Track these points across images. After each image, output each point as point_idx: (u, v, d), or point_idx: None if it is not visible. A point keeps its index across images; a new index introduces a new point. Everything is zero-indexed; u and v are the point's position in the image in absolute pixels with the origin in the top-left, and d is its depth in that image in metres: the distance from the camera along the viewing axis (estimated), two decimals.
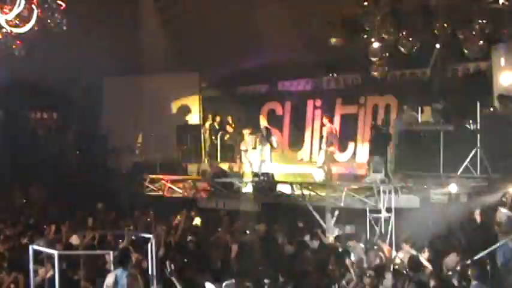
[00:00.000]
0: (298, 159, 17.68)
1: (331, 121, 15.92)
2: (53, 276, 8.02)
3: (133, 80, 19.54)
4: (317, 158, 16.26)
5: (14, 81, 16.81)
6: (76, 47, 16.25)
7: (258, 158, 15.39)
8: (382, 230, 11.75)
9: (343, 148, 16.92)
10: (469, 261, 8.85)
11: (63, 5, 9.54)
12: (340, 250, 10.42)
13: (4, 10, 8.41)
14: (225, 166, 16.76)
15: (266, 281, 8.41)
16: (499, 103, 12.61)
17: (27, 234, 11.63)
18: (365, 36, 13.27)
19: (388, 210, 12.08)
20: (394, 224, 11.87)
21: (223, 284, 8.05)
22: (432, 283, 8.15)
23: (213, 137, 18.17)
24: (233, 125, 18.25)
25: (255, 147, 15.64)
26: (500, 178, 11.45)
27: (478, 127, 11.80)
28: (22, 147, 18.35)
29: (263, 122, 18.00)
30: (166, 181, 15.49)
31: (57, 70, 17.44)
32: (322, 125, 16.20)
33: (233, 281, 8.11)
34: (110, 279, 7.85)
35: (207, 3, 14.72)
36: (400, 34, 12.72)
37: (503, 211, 10.15)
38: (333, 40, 13.91)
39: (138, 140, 19.26)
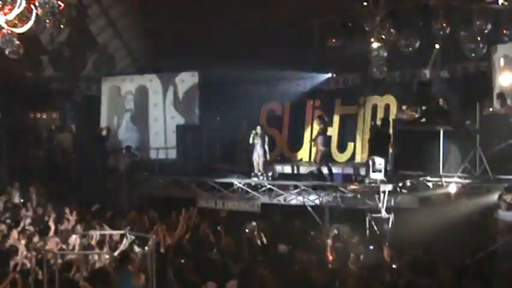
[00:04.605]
0: (297, 159, 17.67)
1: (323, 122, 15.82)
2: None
3: (133, 80, 19.54)
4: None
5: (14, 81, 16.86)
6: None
7: (257, 157, 15.36)
8: (382, 230, 11.79)
9: (342, 148, 16.93)
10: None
11: (62, 5, 9.51)
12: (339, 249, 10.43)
13: (4, 10, 8.41)
14: (225, 166, 16.76)
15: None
16: (497, 101, 12.63)
17: (26, 234, 11.60)
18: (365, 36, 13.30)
19: (388, 210, 12.11)
20: (393, 224, 11.90)
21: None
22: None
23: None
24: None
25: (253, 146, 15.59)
26: (499, 178, 11.46)
27: (478, 127, 11.81)
28: (22, 147, 18.35)
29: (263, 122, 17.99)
30: None
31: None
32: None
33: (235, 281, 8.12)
34: (116, 280, 7.83)
35: (209, 2, 14.73)
36: (400, 34, 12.73)
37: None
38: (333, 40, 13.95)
39: (137, 140, 19.25)
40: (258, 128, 15.49)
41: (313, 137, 15.68)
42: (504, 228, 10.11)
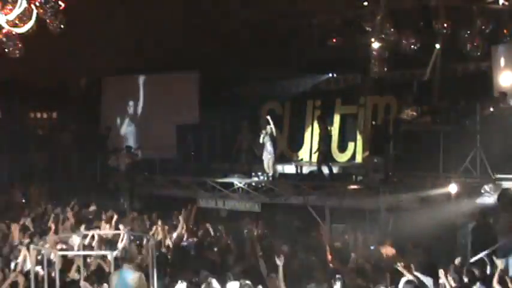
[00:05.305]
0: (298, 159, 17.66)
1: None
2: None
3: (133, 79, 19.54)
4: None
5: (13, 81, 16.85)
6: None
7: (267, 156, 15.24)
8: (381, 230, 11.81)
9: (343, 148, 16.92)
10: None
11: (63, 5, 9.52)
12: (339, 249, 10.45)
13: (5, 10, 8.41)
14: (225, 166, 16.74)
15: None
16: (497, 100, 12.64)
17: (27, 233, 11.60)
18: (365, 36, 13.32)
19: (388, 210, 12.11)
20: (393, 224, 11.90)
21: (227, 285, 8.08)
22: None
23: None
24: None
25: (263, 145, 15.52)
26: (500, 178, 11.46)
27: (478, 127, 11.82)
28: (22, 147, 18.36)
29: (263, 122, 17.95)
30: None
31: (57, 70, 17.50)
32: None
33: (237, 282, 8.11)
34: (114, 279, 7.84)
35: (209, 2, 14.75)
36: (400, 34, 12.73)
37: None
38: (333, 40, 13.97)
39: (138, 140, 19.25)
40: (268, 128, 15.45)
41: (317, 142, 15.58)
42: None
